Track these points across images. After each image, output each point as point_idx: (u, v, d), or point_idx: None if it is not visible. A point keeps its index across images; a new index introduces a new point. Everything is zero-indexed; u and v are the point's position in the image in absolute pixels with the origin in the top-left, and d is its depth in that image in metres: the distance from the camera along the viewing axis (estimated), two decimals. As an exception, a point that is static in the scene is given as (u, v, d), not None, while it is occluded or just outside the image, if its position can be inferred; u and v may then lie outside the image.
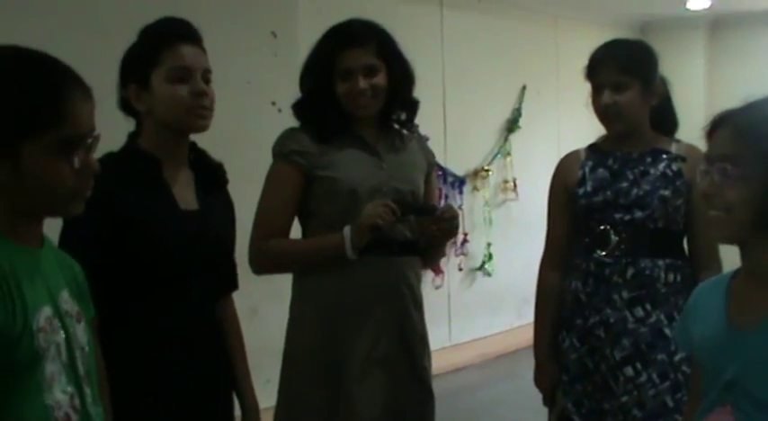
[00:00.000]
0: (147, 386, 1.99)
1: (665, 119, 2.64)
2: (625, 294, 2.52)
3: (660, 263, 2.51)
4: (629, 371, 2.50)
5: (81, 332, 1.50)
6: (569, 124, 6.71)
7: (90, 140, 1.44)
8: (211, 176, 2.18)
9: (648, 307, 2.51)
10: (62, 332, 1.44)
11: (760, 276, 1.59)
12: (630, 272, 2.52)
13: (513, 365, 6.09)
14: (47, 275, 1.46)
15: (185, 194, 2.09)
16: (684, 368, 2.44)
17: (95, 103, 1.47)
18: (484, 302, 6.55)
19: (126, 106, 2.09)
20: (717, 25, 8.00)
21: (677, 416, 2.42)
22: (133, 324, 1.99)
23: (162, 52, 2.01)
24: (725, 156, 1.56)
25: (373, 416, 2.36)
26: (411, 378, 2.46)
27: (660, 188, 2.52)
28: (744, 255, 1.62)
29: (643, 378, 2.49)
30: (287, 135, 2.44)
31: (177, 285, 2.03)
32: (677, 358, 2.47)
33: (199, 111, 2.03)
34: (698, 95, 7.42)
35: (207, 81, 2.06)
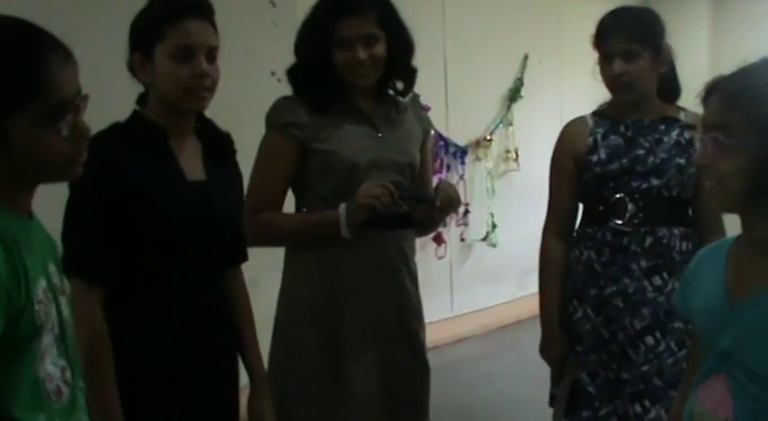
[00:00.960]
0: (153, 357, 1.99)
1: (668, 86, 2.61)
2: (644, 263, 2.51)
3: (676, 231, 2.51)
4: (649, 340, 2.50)
5: (65, 306, 1.49)
6: (572, 93, 6.67)
7: (78, 102, 1.40)
8: (219, 146, 2.16)
9: (665, 275, 2.51)
10: (54, 305, 1.43)
11: (757, 246, 1.57)
12: (649, 241, 2.51)
13: (514, 336, 6.10)
14: (39, 247, 1.44)
15: (192, 165, 2.07)
16: None
17: (78, 63, 1.42)
18: (486, 273, 6.55)
19: (134, 71, 2.07)
20: (721, -7, 7.93)
21: None
22: (139, 295, 1.99)
23: (167, 26, 1.97)
24: (716, 124, 1.53)
25: (369, 393, 2.36)
26: (407, 352, 2.45)
27: (676, 156, 2.52)
28: (743, 224, 1.60)
29: (662, 347, 2.50)
30: (282, 105, 2.39)
31: (183, 256, 2.02)
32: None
33: (197, 92, 2.00)
34: (702, 65, 7.35)
35: (212, 58, 2.02)
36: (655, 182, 2.51)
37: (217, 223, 2.08)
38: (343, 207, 2.28)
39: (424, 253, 6.05)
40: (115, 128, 2.03)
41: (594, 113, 2.67)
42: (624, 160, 2.53)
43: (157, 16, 2.00)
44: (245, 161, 2.33)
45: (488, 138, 6.53)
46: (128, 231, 1.95)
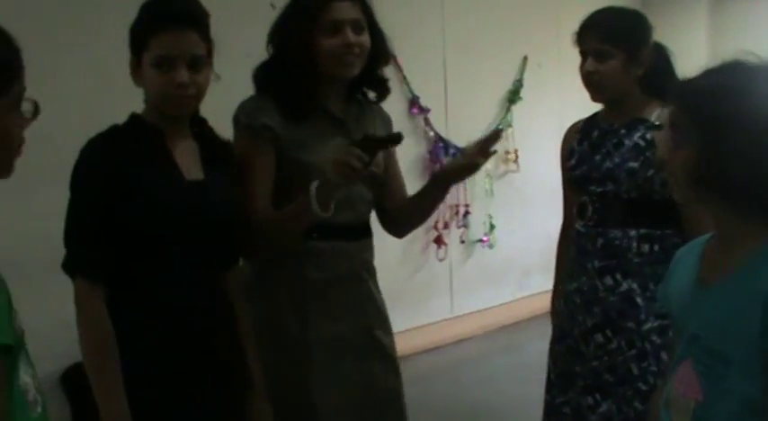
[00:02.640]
0: (152, 357, 2.00)
1: (658, 84, 2.53)
2: (596, 263, 2.57)
3: (632, 233, 2.52)
4: (598, 337, 2.56)
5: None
6: (571, 95, 6.60)
7: None
8: (218, 152, 2.17)
9: (618, 276, 2.54)
10: (16, 315, 1.40)
11: (723, 237, 1.68)
12: (600, 242, 2.56)
13: (514, 337, 6.09)
14: None
15: (190, 164, 2.09)
16: (654, 338, 2.48)
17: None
18: (485, 274, 6.55)
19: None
20: (719, -5, 7.93)
21: (640, 384, 2.48)
22: (138, 294, 2.01)
23: (150, 36, 2.00)
24: (670, 123, 1.66)
25: (344, 404, 2.33)
26: (377, 358, 2.43)
27: (629, 160, 2.52)
28: (713, 219, 1.70)
29: (613, 345, 2.53)
30: (254, 105, 2.32)
31: (182, 254, 2.03)
32: (646, 327, 2.50)
33: (178, 100, 2.02)
34: (700, 66, 7.34)
35: (197, 67, 2.02)
36: (610, 186, 2.55)
37: (214, 221, 2.09)
38: (314, 184, 2.12)
39: (425, 255, 6.06)
40: (113, 129, 2.06)
41: (589, 118, 2.73)
42: (585, 166, 2.62)
43: (142, 27, 2.03)
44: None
45: (488, 139, 6.52)
46: (127, 230, 1.97)
